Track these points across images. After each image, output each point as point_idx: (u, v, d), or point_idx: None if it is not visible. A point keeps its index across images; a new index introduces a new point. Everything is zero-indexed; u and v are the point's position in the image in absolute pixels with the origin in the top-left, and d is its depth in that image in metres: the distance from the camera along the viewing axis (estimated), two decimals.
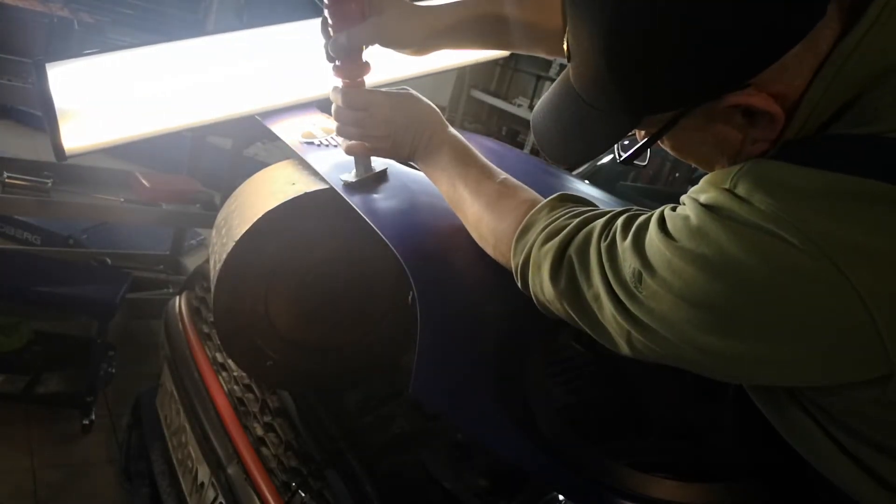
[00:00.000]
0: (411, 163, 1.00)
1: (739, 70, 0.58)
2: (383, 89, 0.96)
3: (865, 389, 0.58)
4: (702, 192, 0.63)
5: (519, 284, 0.81)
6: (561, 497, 0.84)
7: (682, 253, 0.60)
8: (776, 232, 0.55)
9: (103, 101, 1.09)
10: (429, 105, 0.96)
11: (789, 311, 0.56)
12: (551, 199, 0.82)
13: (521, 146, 5.34)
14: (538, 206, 0.81)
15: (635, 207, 0.73)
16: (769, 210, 0.56)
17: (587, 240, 0.71)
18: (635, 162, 0.71)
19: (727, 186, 0.60)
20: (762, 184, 0.58)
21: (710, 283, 0.58)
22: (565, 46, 0.67)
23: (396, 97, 0.95)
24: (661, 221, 0.64)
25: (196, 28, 5.45)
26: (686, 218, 0.62)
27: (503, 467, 0.95)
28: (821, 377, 0.60)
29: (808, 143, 0.60)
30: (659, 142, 0.69)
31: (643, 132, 0.69)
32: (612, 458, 0.80)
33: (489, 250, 0.88)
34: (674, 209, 0.65)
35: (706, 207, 0.61)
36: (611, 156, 2.21)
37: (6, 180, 2.04)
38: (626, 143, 0.72)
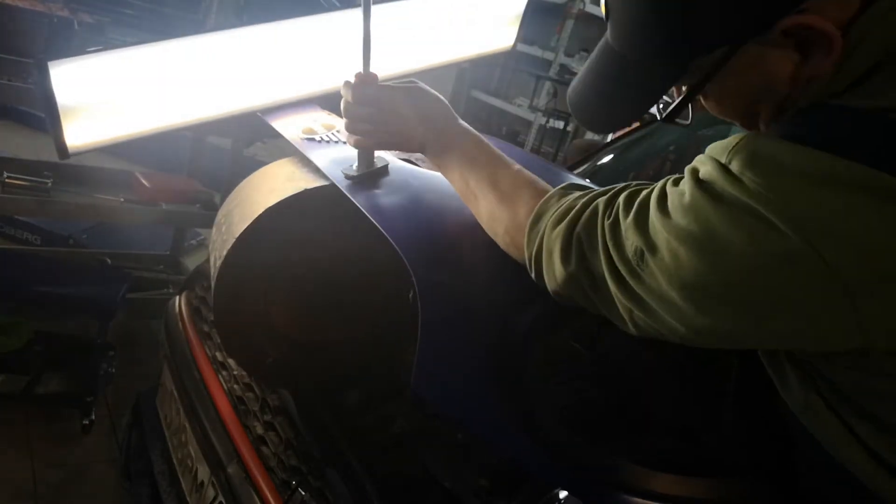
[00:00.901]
0: (420, 157, 1.00)
1: None
2: (392, 83, 0.96)
3: (849, 357, 0.60)
4: (702, 163, 0.64)
5: (533, 276, 0.80)
6: (561, 497, 0.84)
7: (676, 231, 0.61)
8: (762, 214, 0.56)
9: (105, 99, 1.09)
10: (439, 98, 0.96)
11: (773, 293, 0.57)
12: (560, 188, 0.82)
13: (521, 146, 5.34)
14: (547, 195, 0.81)
15: (634, 183, 0.73)
16: (757, 189, 0.57)
17: (593, 217, 0.71)
18: (677, 120, 0.70)
19: (723, 161, 0.61)
20: (755, 161, 0.59)
21: (697, 261, 0.59)
22: (602, 5, 0.67)
23: (406, 91, 0.95)
24: (661, 197, 0.65)
25: (196, 28, 5.45)
26: (682, 194, 0.62)
27: (503, 467, 0.95)
28: (807, 345, 0.62)
29: (811, 115, 0.61)
30: (702, 98, 0.68)
31: (686, 88, 0.68)
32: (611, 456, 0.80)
33: (501, 243, 0.87)
34: (676, 182, 0.65)
35: (700, 183, 0.61)
36: (611, 156, 2.21)
37: (6, 180, 2.03)
38: (666, 102, 0.71)
